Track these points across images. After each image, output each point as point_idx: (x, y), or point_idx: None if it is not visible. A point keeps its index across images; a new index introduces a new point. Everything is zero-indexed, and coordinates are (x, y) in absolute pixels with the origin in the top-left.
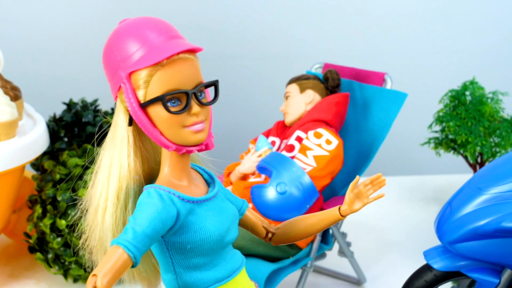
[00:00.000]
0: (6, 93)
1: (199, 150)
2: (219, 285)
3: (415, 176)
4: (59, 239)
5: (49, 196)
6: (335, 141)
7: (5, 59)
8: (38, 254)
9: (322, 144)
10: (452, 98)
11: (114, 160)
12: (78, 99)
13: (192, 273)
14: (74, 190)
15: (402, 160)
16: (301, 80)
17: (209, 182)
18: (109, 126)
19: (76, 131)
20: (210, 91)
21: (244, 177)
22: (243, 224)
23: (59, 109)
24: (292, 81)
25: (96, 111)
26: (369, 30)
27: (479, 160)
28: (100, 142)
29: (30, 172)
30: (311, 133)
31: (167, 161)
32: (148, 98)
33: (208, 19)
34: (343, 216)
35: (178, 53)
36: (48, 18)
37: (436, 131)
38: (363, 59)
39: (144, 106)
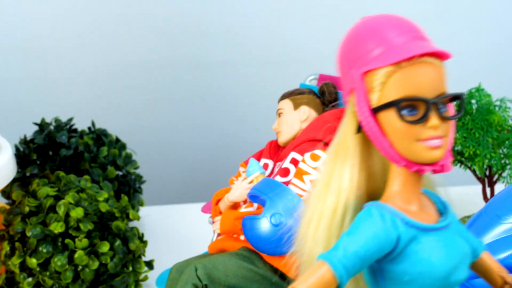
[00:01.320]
0: None
1: (434, 172)
2: None
3: None
4: (30, 279)
5: (18, 231)
6: None
7: None
8: None
9: (320, 166)
10: (457, 107)
11: (336, 170)
12: (51, 118)
13: None
14: (45, 224)
15: None
16: (295, 95)
17: (442, 212)
18: (86, 147)
19: (50, 154)
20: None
21: (235, 205)
22: (475, 267)
23: (29, 130)
24: (284, 96)
25: (71, 131)
26: None
27: (487, 173)
28: (75, 167)
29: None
30: (307, 155)
31: (396, 179)
32: (382, 102)
33: (195, 23)
34: None
35: (421, 55)
36: (14, 31)
37: None
38: None
39: (376, 111)
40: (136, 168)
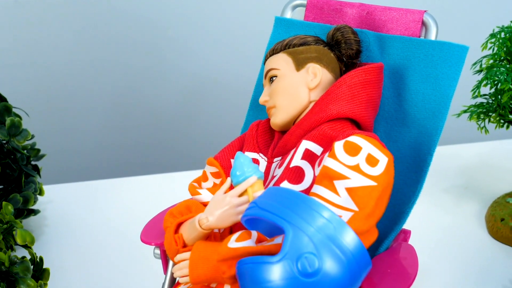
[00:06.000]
0: None
1: None
2: None
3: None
4: None
5: None
6: (383, 158)
7: None
8: None
9: (361, 164)
10: (504, 40)
11: None
12: None
13: None
14: None
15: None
16: (295, 47)
17: None
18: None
19: None
20: None
21: (213, 234)
22: None
23: None
24: (277, 49)
25: None
26: None
27: None
28: None
29: None
30: (339, 145)
31: None
32: None
33: None
34: None
35: None
36: None
37: (483, 95)
38: None
39: None
40: (29, 139)
